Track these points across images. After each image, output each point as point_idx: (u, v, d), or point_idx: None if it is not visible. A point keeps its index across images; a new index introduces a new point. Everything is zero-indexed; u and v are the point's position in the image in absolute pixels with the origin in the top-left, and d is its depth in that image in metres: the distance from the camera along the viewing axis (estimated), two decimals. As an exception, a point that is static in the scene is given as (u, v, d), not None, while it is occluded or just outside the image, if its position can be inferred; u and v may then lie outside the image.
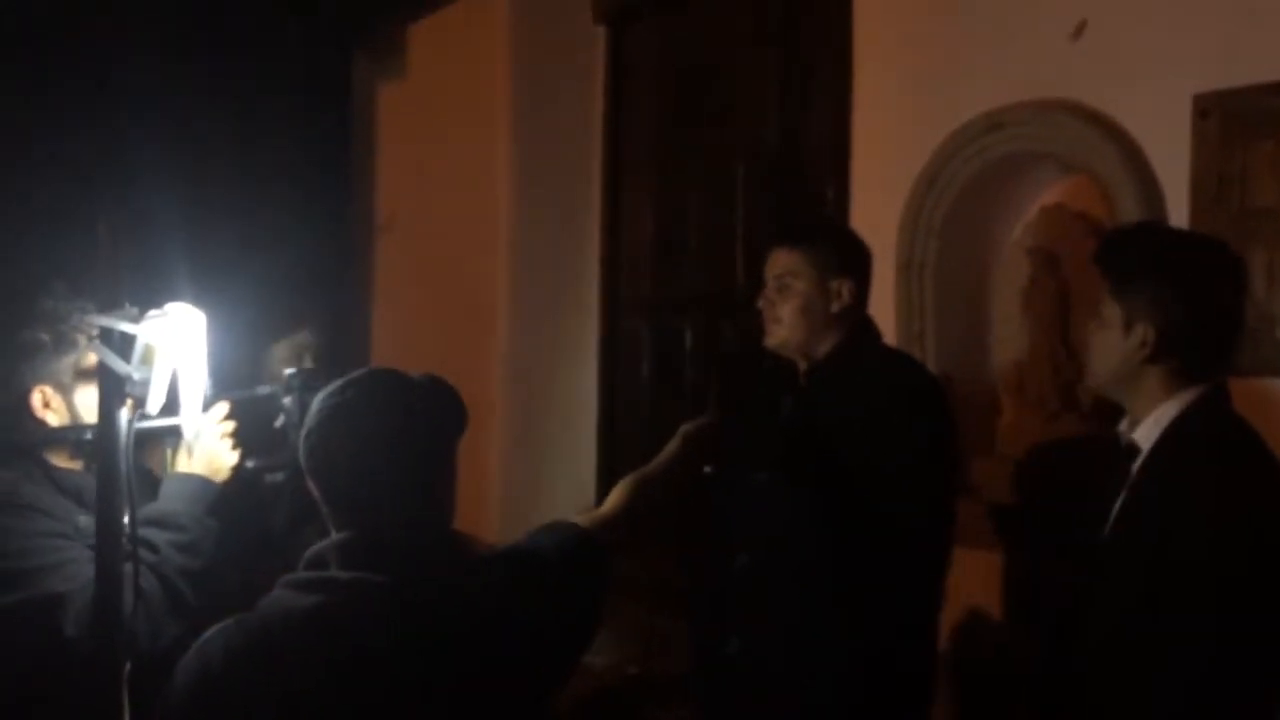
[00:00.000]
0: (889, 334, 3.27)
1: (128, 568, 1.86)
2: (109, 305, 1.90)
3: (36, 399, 2.17)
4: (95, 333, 2.14)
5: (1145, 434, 2.07)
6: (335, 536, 1.63)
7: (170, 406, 1.98)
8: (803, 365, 2.62)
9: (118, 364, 1.82)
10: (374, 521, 1.62)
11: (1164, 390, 2.05)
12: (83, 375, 2.17)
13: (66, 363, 2.17)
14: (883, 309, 3.32)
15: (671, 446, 2.29)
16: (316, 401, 1.66)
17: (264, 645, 1.59)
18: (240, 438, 2.23)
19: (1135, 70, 2.97)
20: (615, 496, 2.07)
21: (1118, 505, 2.08)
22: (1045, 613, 2.23)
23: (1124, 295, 2.06)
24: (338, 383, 1.67)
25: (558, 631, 1.71)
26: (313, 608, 1.57)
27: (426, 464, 1.67)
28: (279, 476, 2.37)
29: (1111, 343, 2.08)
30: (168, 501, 2.12)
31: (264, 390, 2.28)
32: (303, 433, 1.66)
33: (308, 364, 2.92)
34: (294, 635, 1.57)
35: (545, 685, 1.73)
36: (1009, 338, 3.43)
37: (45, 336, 2.16)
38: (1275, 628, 1.90)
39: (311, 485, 1.66)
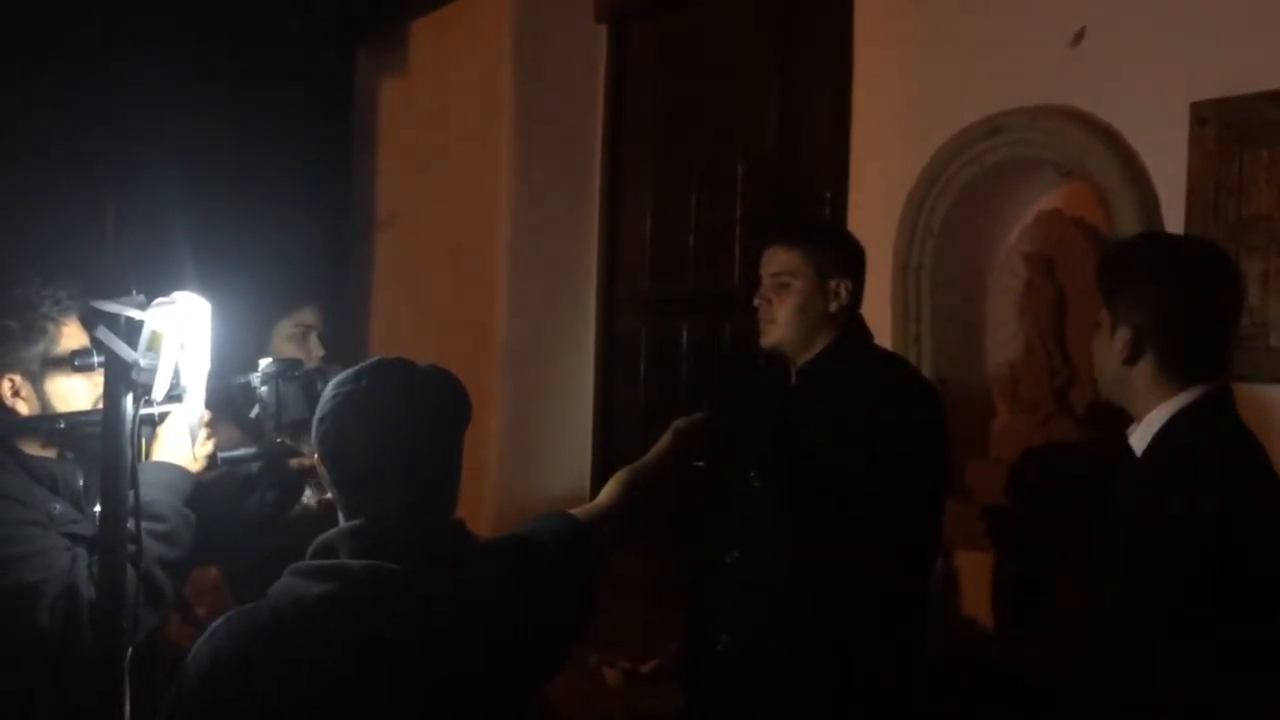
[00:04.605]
0: (885, 335, 3.29)
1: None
2: (116, 292, 1.90)
3: (5, 387, 2.13)
4: (69, 321, 2.14)
5: (1139, 439, 2.03)
6: (345, 524, 1.64)
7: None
8: (795, 364, 2.62)
9: (124, 350, 1.82)
10: (385, 509, 1.63)
11: (1154, 394, 2.00)
12: (52, 363, 2.13)
13: (35, 351, 2.13)
14: (880, 311, 3.34)
15: (663, 441, 2.30)
16: (330, 388, 1.67)
17: (275, 633, 1.59)
18: (215, 427, 2.17)
19: (1133, 77, 2.99)
20: (609, 490, 2.10)
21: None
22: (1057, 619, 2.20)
23: (1110, 299, 2.06)
24: (350, 370, 1.68)
25: (556, 619, 1.74)
26: (326, 595, 1.57)
27: (437, 453, 1.69)
28: (253, 468, 2.35)
29: (1103, 347, 2.07)
30: (145, 489, 2.02)
31: (239, 379, 2.23)
32: (315, 418, 1.67)
33: (314, 340, 2.87)
34: (307, 623, 1.57)
35: (541, 672, 1.76)
36: (1004, 341, 3.45)
37: (14, 324, 2.13)
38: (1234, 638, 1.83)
39: (322, 470, 1.68)
